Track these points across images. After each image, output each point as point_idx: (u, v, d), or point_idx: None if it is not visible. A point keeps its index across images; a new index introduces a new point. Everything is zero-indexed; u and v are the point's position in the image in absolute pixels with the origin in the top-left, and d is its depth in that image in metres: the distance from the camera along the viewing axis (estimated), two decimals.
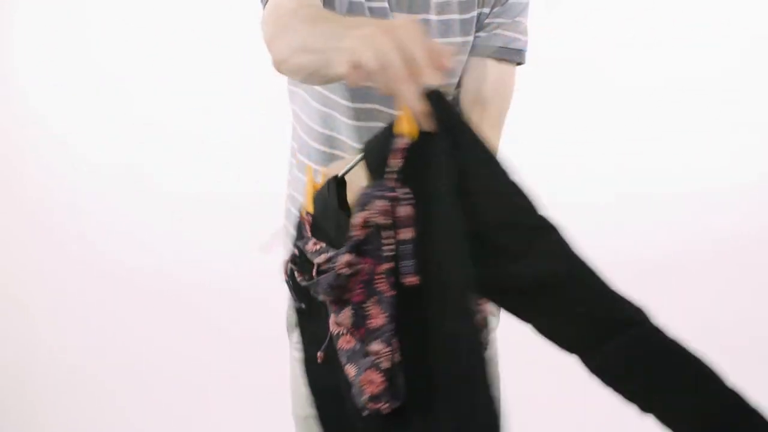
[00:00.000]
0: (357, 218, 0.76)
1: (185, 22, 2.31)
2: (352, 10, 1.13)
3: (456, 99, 1.20)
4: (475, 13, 1.17)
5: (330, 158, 1.23)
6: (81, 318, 2.49)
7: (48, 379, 2.52)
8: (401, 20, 0.70)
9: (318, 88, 1.22)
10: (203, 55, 2.26)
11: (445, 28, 1.14)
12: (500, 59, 1.18)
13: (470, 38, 1.17)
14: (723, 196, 2.33)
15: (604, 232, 2.28)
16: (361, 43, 0.67)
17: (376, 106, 1.17)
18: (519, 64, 1.21)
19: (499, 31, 1.17)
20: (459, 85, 1.21)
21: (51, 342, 2.50)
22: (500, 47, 1.18)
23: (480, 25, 1.17)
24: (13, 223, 2.51)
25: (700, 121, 2.31)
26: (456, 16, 1.16)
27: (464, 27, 1.16)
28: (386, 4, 1.14)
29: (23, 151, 2.50)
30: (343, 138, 1.22)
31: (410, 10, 1.14)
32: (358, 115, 1.18)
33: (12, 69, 2.45)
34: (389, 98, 1.17)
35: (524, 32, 1.21)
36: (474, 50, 1.18)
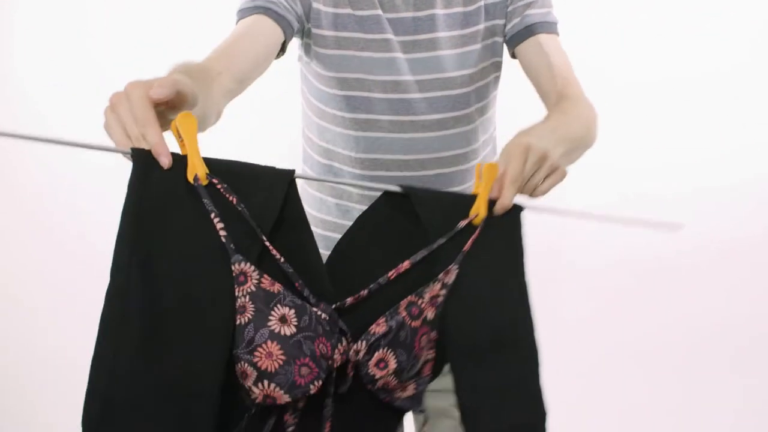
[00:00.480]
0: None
1: (186, 22, 2.30)
2: (338, 22, 1.14)
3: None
4: (481, 4, 1.17)
5: (328, 170, 1.24)
6: (81, 317, 2.48)
7: (48, 379, 2.52)
8: (129, 83, 0.77)
9: (313, 99, 1.23)
10: (203, 56, 2.25)
11: (452, 21, 1.15)
12: (547, 33, 1.19)
13: (477, 28, 1.16)
14: (728, 196, 2.33)
15: (608, 232, 2.28)
16: (107, 113, 0.78)
17: (373, 116, 1.17)
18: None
19: (529, 11, 1.18)
20: (486, 73, 1.21)
21: (51, 342, 2.50)
22: (540, 23, 1.19)
23: (506, 14, 1.18)
24: (13, 223, 2.51)
25: (705, 119, 2.31)
26: (460, 9, 1.17)
27: (467, 19, 1.16)
28: (379, 11, 1.14)
29: (23, 151, 2.50)
30: (339, 150, 1.22)
31: (416, 7, 1.15)
32: (354, 125, 1.18)
33: (12, 69, 2.45)
34: (387, 105, 1.18)
35: (551, 4, 1.22)
36: (517, 38, 1.19)
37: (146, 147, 0.76)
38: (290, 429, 0.82)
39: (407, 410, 0.90)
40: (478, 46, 1.18)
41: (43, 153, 2.49)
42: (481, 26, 1.18)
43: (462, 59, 1.17)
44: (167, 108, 0.79)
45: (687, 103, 2.31)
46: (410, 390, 0.88)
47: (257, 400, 0.78)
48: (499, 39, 1.21)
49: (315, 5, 1.15)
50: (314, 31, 1.16)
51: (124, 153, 0.77)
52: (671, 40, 2.26)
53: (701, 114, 2.32)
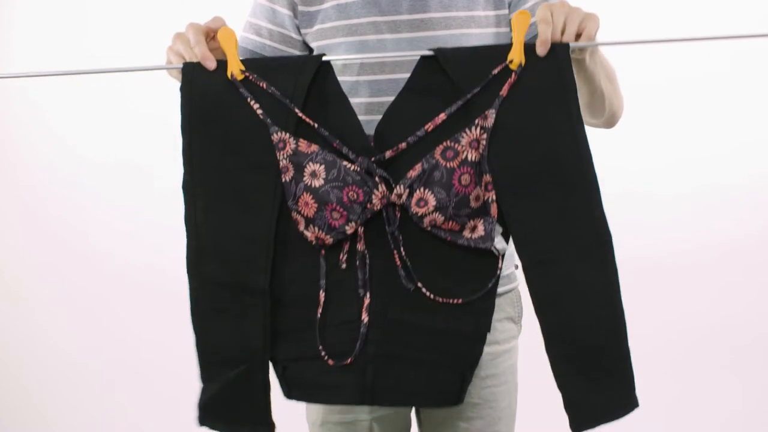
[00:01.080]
0: None
1: (185, 20, 2.30)
2: (324, 16, 1.14)
3: None
4: None
5: None
6: (82, 315, 2.49)
7: (49, 378, 2.52)
8: (188, 25, 1.01)
9: None
10: None
11: (449, 2, 1.13)
12: None
13: (474, 13, 1.13)
14: (728, 195, 2.34)
15: None
16: (168, 51, 1.03)
17: (364, 99, 1.14)
18: None
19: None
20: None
21: (51, 340, 2.51)
22: None
23: (509, 6, 1.16)
24: (14, 222, 2.52)
25: (705, 118, 2.32)
26: None
27: (470, 4, 1.13)
28: None
29: (24, 149, 2.50)
30: None
31: None
32: None
33: (12, 69, 2.45)
34: (377, 87, 1.15)
35: None
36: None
37: (196, 61, 0.98)
38: (360, 263, 0.98)
39: (484, 248, 0.96)
40: (475, 30, 1.16)
41: (44, 152, 2.50)
42: (480, 12, 1.15)
43: (456, 41, 1.16)
44: (214, 49, 1.00)
45: (687, 102, 2.31)
46: (480, 230, 0.96)
47: (313, 243, 0.98)
48: (504, 30, 1.18)
49: (301, 8, 1.16)
50: (302, 30, 1.16)
51: (177, 68, 0.99)
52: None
53: (701, 113, 2.32)
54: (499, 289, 1.20)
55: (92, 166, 2.46)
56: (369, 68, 1.13)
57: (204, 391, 1.03)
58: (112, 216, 2.46)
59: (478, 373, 1.16)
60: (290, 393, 1.03)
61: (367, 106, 1.11)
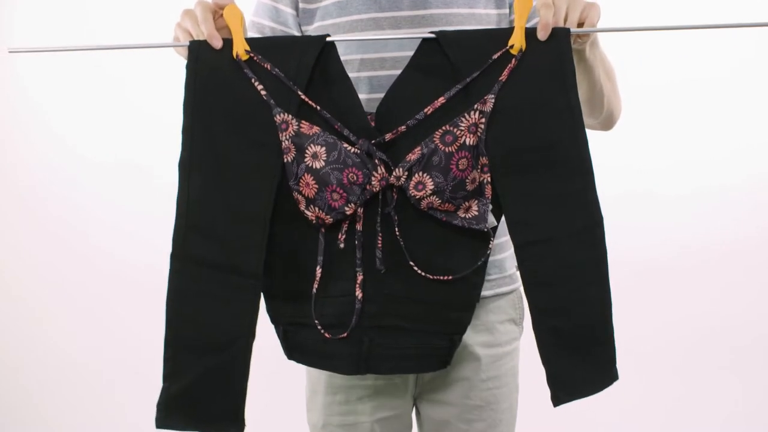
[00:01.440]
0: None
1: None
2: (325, 13, 1.13)
3: None
4: None
5: None
6: (82, 315, 2.49)
7: (49, 378, 2.52)
8: (197, 2, 0.99)
9: None
10: None
11: (449, 0, 1.12)
12: None
13: (475, 11, 1.13)
14: (728, 196, 2.34)
15: (607, 232, 2.28)
16: (176, 27, 1.02)
17: (364, 96, 1.14)
18: None
19: None
20: None
21: (51, 340, 2.51)
22: None
23: (509, 6, 1.15)
24: (13, 221, 2.51)
25: (705, 120, 2.32)
26: None
27: (471, 1, 1.13)
28: None
29: (24, 149, 2.50)
30: None
31: None
32: None
33: (11, 67, 2.45)
34: (377, 82, 1.14)
35: None
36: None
37: (203, 39, 0.98)
38: (358, 242, 1.01)
39: (477, 228, 0.99)
40: (476, 27, 1.15)
41: (44, 152, 2.50)
42: (481, 10, 1.14)
43: None
44: (221, 27, 1.00)
45: (687, 104, 2.31)
46: (474, 210, 0.99)
47: (313, 222, 0.99)
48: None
49: (302, 5, 1.15)
50: (302, 28, 1.16)
51: (185, 45, 0.99)
52: (674, 42, 2.26)
53: (701, 115, 2.32)
54: (501, 290, 1.20)
55: (92, 166, 2.46)
56: (369, 65, 1.12)
57: (168, 387, 0.98)
58: (112, 216, 2.46)
59: (480, 375, 1.16)
60: (291, 355, 1.06)
61: (367, 102, 1.11)
